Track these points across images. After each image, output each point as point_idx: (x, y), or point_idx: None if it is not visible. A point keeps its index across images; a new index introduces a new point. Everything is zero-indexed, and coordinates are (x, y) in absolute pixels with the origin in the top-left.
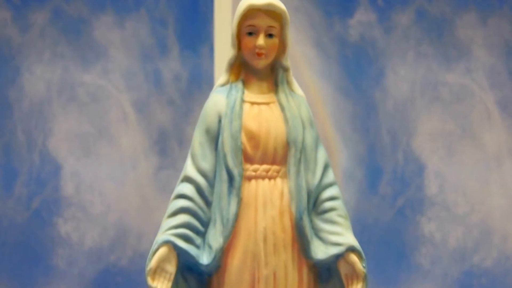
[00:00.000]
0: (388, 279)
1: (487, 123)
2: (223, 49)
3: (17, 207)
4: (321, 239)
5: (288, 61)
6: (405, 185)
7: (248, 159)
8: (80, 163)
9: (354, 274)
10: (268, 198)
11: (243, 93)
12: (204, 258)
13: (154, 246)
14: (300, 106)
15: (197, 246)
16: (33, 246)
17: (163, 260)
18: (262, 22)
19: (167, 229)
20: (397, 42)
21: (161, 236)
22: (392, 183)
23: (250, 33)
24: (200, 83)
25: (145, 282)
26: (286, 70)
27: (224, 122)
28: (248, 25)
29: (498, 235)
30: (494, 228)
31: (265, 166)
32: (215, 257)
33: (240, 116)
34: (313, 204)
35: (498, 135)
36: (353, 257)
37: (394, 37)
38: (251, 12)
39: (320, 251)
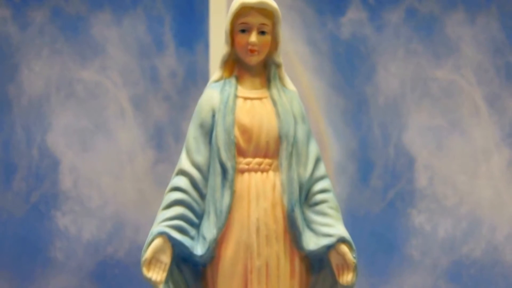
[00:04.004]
0: (379, 270)
1: (475, 117)
2: (218, 46)
3: (16, 201)
4: (312, 230)
5: (280, 58)
6: (395, 178)
7: (241, 153)
8: (78, 158)
9: (344, 265)
10: (260, 191)
11: (236, 88)
12: (198, 249)
13: (149, 238)
14: (292, 101)
15: (192, 238)
16: (32, 239)
17: (158, 251)
18: (255, 19)
19: (162, 221)
20: (387, 39)
21: (156, 228)
22: (383, 176)
23: (243, 31)
24: (195, 79)
25: (141, 274)
26: (278, 66)
27: (218, 116)
28: (241, 23)
29: (486, 226)
30: (482, 219)
31: (257, 160)
32: (209, 248)
33: (233, 110)
34: (305, 196)
35: (486, 129)
36: (344, 248)
37: (385, 35)
38: (244, 10)
39: (312, 242)
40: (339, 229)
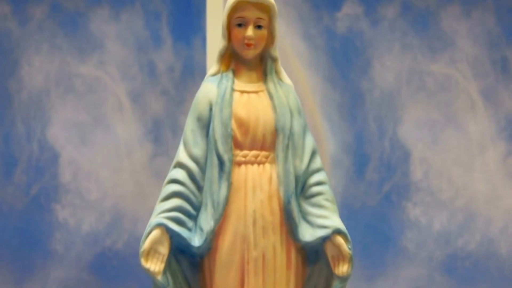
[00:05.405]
0: (374, 262)
1: (470, 111)
2: (215, 40)
3: (16, 194)
4: (308, 222)
5: (276, 52)
6: (391, 171)
7: (238, 145)
8: (77, 151)
9: (340, 256)
10: (257, 183)
11: (233, 82)
12: (196, 240)
13: (148, 229)
14: (288, 94)
15: (189, 229)
16: (32, 231)
17: (156, 242)
18: (251, 14)
19: (160, 213)
20: (383, 34)
21: (154, 219)
22: (379, 170)
23: (239, 25)
24: (192, 74)
25: (140, 265)
26: (274, 60)
27: (215, 110)
28: (237, 17)
29: (481, 219)
30: (477, 212)
31: (254, 152)
32: (206, 239)
33: (230, 104)
34: (301, 188)
35: (481, 123)
36: (339, 239)
37: (381, 29)
38: (241, 4)
39: (308, 234)
40: (334, 221)
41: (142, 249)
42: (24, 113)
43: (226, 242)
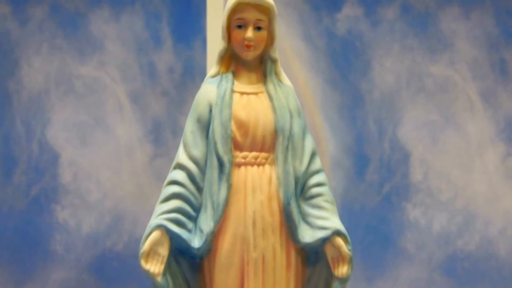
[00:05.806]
0: (374, 263)
1: (469, 112)
2: (215, 42)
3: (16, 195)
4: (308, 223)
5: (276, 53)
6: (391, 172)
7: (238, 147)
8: (77, 152)
9: (340, 257)
10: (257, 184)
11: (233, 83)
12: (196, 242)
13: (148, 230)
14: (288, 96)
15: (189, 230)
16: (32, 232)
17: (156, 244)
18: (251, 15)
19: (160, 214)
20: (383, 35)
21: (154, 221)
22: (379, 171)
23: (239, 26)
24: (193, 75)
25: (140, 266)
26: (274, 61)
27: (215, 111)
28: (237, 18)
29: (480, 220)
30: (476, 213)
31: (254, 153)
32: (206, 240)
33: (230, 105)
34: (301, 190)
35: (480, 124)
36: (339, 241)
37: (380, 31)
38: (241, 6)
39: (308, 235)
40: (334, 222)
41: (142, 251)
42: (24, 114)
43: (226, 243)
